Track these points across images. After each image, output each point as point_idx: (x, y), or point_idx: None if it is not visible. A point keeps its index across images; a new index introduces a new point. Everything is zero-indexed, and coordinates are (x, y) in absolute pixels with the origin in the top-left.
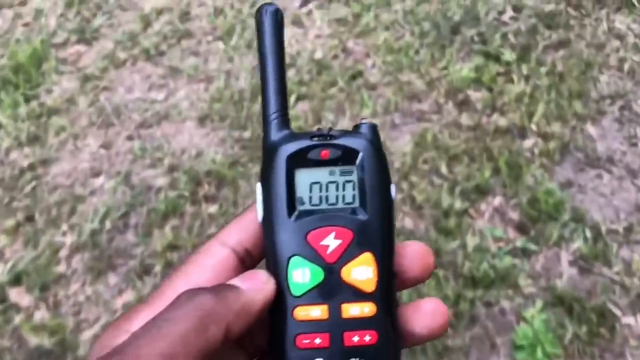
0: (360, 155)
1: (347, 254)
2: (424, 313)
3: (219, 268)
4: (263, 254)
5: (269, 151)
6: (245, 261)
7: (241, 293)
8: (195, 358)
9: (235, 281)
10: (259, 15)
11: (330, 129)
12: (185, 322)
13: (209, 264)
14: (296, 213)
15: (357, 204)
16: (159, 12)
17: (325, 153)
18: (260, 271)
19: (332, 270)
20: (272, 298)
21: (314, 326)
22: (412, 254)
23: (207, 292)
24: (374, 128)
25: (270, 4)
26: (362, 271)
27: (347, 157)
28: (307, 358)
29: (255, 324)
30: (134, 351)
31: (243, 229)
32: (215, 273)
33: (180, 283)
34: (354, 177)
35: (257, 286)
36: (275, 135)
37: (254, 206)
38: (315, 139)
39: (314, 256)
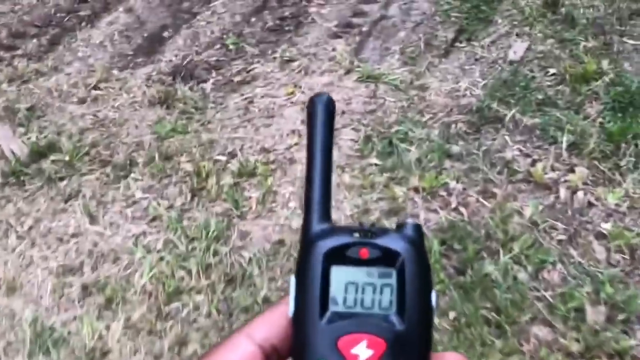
0: (401, 257)
1: None
2: None
3: None
4: (291, 351)
5: (307, 244)
6: (271, 358)
7: None
8: None
9: None
10: (311, 106)
11: (373, 224)
12: None
13: (232, 358)
14: (328, 314)
15: (393, 310)
16: None
17: (365, 252)
18: None
19: None
20: None
21: None
22: None
23: None
24: (418, 229)
25: (322, 93)
26: None
27: (387, 258)
28: None
29: None
30: None
31: (272, 324)
32: None
33: None
34: (393, 280)
35: None
36: (315, 227)
37: (285, 300)
38: (356, 234)
39: None
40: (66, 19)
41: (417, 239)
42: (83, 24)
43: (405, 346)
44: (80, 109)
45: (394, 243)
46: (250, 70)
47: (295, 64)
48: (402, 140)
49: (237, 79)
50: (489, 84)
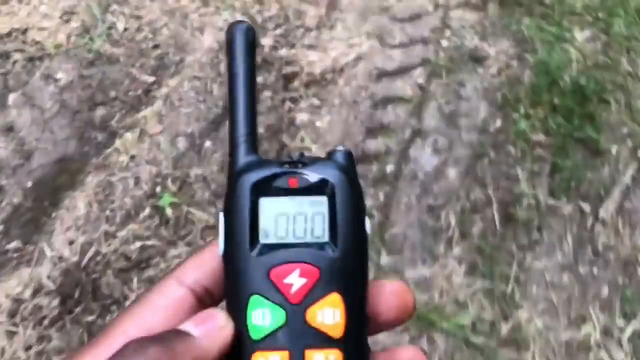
0: (332, 184)
1: (313, 294)
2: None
3: (174, 309)
4: (223, 291)
5: (233, 178)
6: (205, 301)
7: (192, 342)
8: None
9: (187, 326)
10: (229, 34)
11: (302, 154)
12: None
13: (162, 304)
14: (259, 246)
15: (326, 238)
16: None
17: (294, 181)
18: (218, 312)
19: (295, 312)
20: (229, 344)
21: None
22: (389, 295)
23: (154, 345)
24: (349, 156)
25: (242, 21)
26: (328, 314)
27: (317, 187)
28: None
29: None
30: None
31: (202, 266)
32: (169, 314)
33: (131, 325)
34: (324, 208)
35: (212, 333)
36: (242, 160)
37: (214, 242)
38: (285, 166)
39: (276, 296)
40: None
41: (348, 165)
42: None
43: (339, 273)
44: None
45: (324, 171)
46: None
47: None
48: None
49: None
50: None
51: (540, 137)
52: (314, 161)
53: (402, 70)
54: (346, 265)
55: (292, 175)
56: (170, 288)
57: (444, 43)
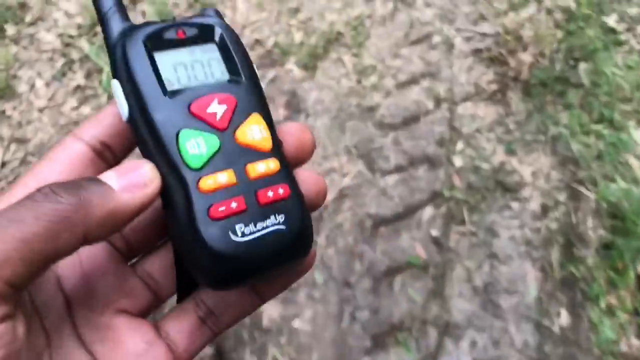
0: (217, 30)
1: (237, 117)
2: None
3: (74, 163)
4: (127, 149)
5: (118, 42)
6: (105, 157)
7: (111, 195)
8: (36, 264)
9: (107, 175)
10: None
11: (174, 18)
12: (30, 226)
13: (61, 158)
14: (169, 92)
15: (227, 77)
16: None
17: (182, 32)
18: (145, 164)
19: (225, 135)
20: (153, 200)
21: (226, 192)
22: (288, 135)
23: (66, 193)
24: (218, 11)
25: None
26: (255, 131)
27: (204, 34)
28: (227, 227)
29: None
30: None
31: (100, 123)
32: (68, 168)
33: (31, 179)
34: (217, 53)
35: (135, 188)
36: (119, 27)
37: (112, 103)
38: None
39: (204, 125)
40: None
41: (221, 16)
42: None
43: (252, 96)
44: None
45: (206, 20)
46: None
47: None
48: None
49: None
50: None
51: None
52: (190, 18)
53: (406, 214)
54: (255, 91)
55: (178, 27)
56: (70, 143)
57: (457, 161)
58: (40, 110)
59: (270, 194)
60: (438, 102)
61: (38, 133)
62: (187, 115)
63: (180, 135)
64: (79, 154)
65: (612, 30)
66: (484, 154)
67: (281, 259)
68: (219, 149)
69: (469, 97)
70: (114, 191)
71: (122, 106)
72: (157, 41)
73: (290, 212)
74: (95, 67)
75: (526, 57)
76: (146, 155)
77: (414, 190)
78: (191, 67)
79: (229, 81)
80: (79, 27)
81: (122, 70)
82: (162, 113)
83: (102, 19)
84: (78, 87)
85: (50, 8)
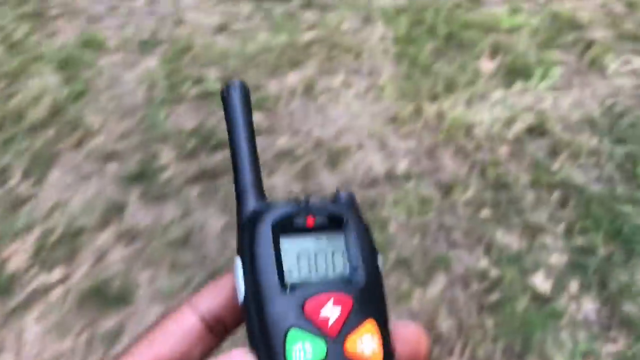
0: (347, 220)
1: (350, 322)
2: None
3: (185, 338)
4: (239, 324)
5: (249, 221)
6: (216, 330)
7: None
8: None
9: None
10: (225, 92)
11: (308, 196)
12: None
13: (175, 331)
14: (288, 285)
15: (348, 272)
16: None
17: (311, 220)
18: (244, 355)
19: (334, 343)
20: None
21: None
22: (405, 337)
23: None
24: (352, 196)
25: (235, 80)
26: (367, 342)
27: (333, 223)
28: None
29: None
30: None
31: (218, 295)
32: (181, 342)
33: (146, 348)
34: (342, 245)
35: None
36: (255, 204)
37: (228, 274)
38: (300, 205)
39: (314, 327)
40: None
41: (354, 205)
42: None
43: (370, 299)
44: None
45: (336, 209)
46: None
47: None
48: None
49: None
50: None
51: None
52: (322, 201)
53: None
54: (374, 292)
55: (308, 214)
56: (185, 317)
57: None
58: None
59: None
60: None
61: None
62: (300, 314)
63: (288, 335)
64: (192, 329)
65: None
66: None
67: None
68: (325, 356)
69: None
70: None
71: (240, 287)
72: (286, 226)
73: None
74: None
75: None
76: (252, 342)
77: None
78: (314, 257)
79: (349, 278)
80: None
81: (246, 252)
82: (276, 307)
83: (238, 195)
84: None
85: None
